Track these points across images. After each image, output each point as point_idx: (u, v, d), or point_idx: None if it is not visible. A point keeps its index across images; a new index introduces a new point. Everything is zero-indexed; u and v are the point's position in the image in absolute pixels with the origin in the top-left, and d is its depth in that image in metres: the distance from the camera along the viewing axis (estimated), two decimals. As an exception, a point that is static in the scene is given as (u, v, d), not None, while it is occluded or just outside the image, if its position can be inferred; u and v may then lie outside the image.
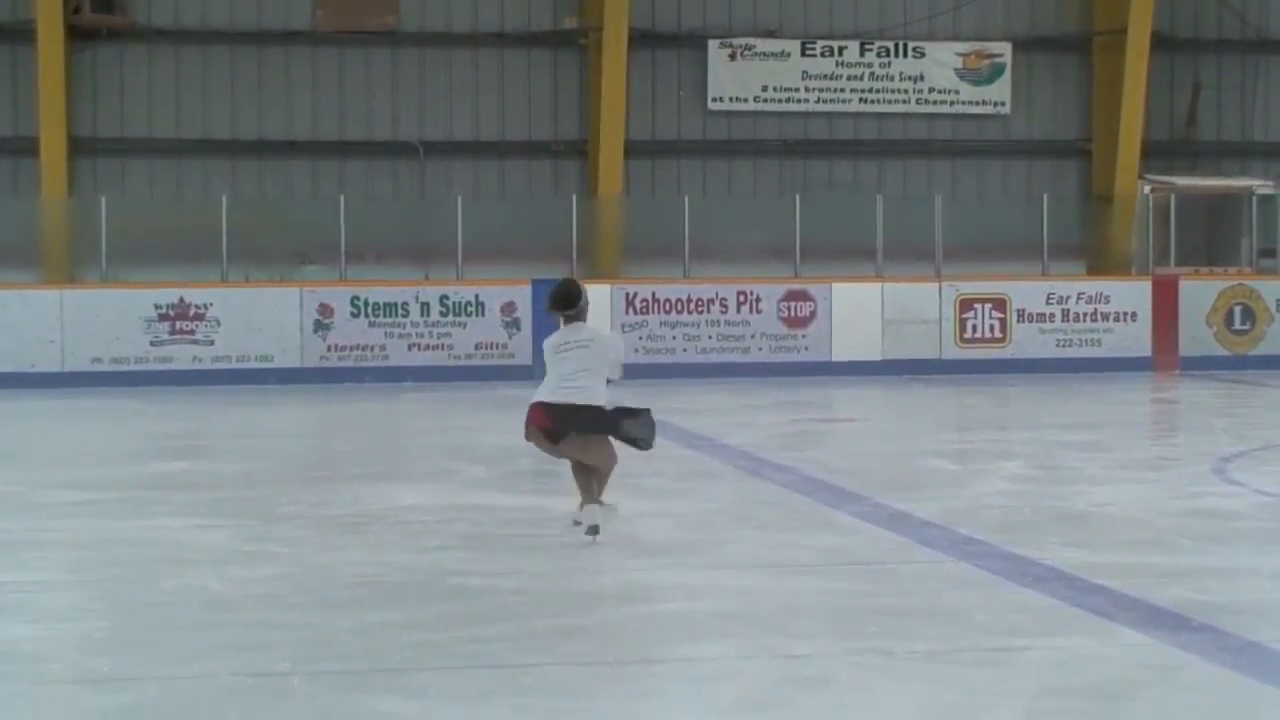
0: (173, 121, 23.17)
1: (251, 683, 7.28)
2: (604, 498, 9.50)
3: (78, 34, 22.34)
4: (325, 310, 21.04)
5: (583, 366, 9.38)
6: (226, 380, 20.75)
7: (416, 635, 7.92)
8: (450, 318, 21.20)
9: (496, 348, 21.12)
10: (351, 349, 21.09)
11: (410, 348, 21.09)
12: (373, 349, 21.08)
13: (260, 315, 21.10)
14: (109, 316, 20.90)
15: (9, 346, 20.50)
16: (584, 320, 9.50)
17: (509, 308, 20.99)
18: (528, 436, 9.69)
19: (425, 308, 21.22)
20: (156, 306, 20.77)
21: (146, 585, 9.35)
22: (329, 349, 21.09)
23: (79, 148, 22.57)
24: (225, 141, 23.07)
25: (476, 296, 21.22)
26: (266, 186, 23.18)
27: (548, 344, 9.57)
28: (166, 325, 20.84)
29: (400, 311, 21.19)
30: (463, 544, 10.28)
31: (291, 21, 23.22)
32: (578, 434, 9.42)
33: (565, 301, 9.50)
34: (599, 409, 9.36)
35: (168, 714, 6.83)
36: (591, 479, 9.54)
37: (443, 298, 21.30)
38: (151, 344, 20.71)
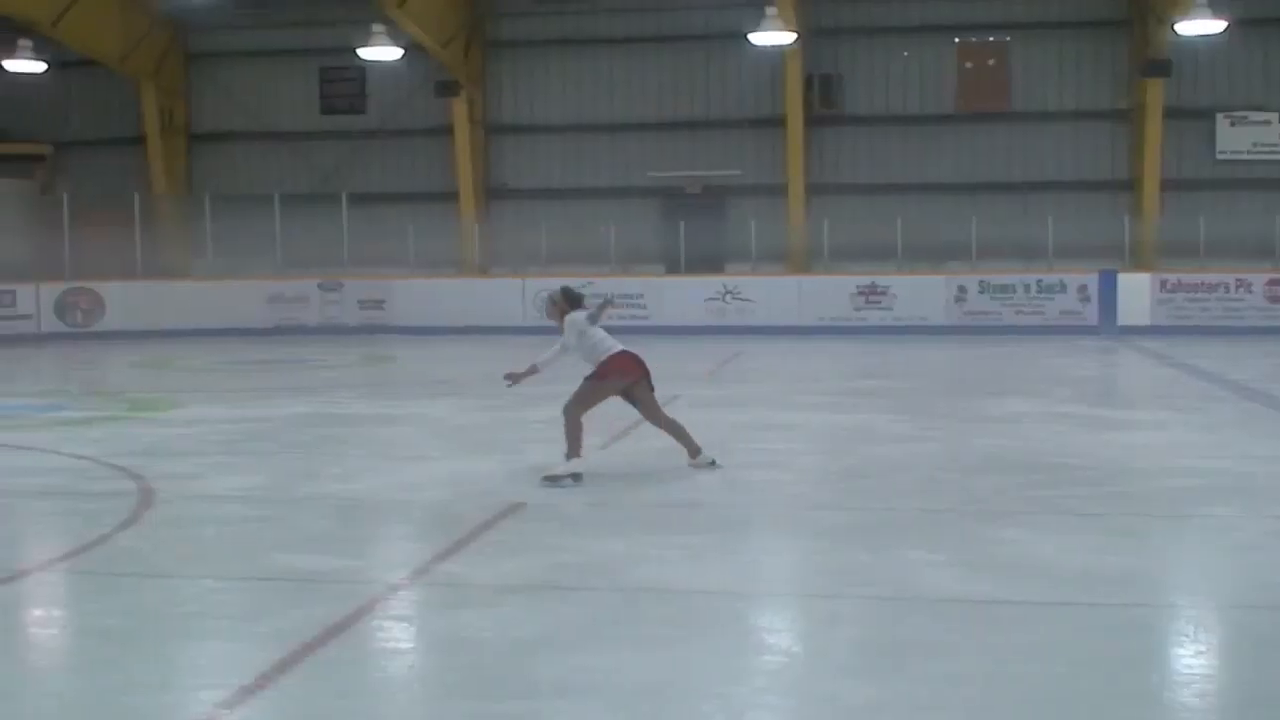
0: (869, 169, 31.24)
1: (923, 516, 9.10)
2: (708, 454, 11.11)
3: (810, 120, 30.96)
4: (961, 290, 28.44)
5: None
6: (900, 333, 27.65)
7: (1028, 492, 9.97)
8: (1043, 294, 28.13)
9: (1074, 314, 27.95)
10: (979, 313, 28.23)
11: (1017, 313, 28.07)
12: (992, 313, 28.19)
13: (922, 292, 28.69)
14: (822, 291, 28.74)
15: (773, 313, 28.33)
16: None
17: (1082, 289, 27.96)
18: (613, 378, 10.81)
19: (1027, 287, 28.11)
20: (858, 286, 28.75)
21: (850, 453, 12.10)
22: (964, 313, 28.35)
23: (813, 190, 31.07)
24: (903, 185, 30.97)
25: (1061, 281, 28.04)
26: (926, 212, 29.73)
27: (585, 317, 10.82)
28: (863, 298, 28.66)
29: (1010, 290, 28.17)
30: (1055, 436, 12.89)
31: (941, 107, 31.56)
32: (646, 379, 10.89)
33: (579, 301, 10.98)
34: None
35: (874, 531, 8.81)
36: (682, 438, 11.13)
37: (1039, 280, 28.18)
38: (855, 310, 28.83)
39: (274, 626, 6.93)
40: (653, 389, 10.98)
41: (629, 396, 10.97)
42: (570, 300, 11.02)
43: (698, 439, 11.34)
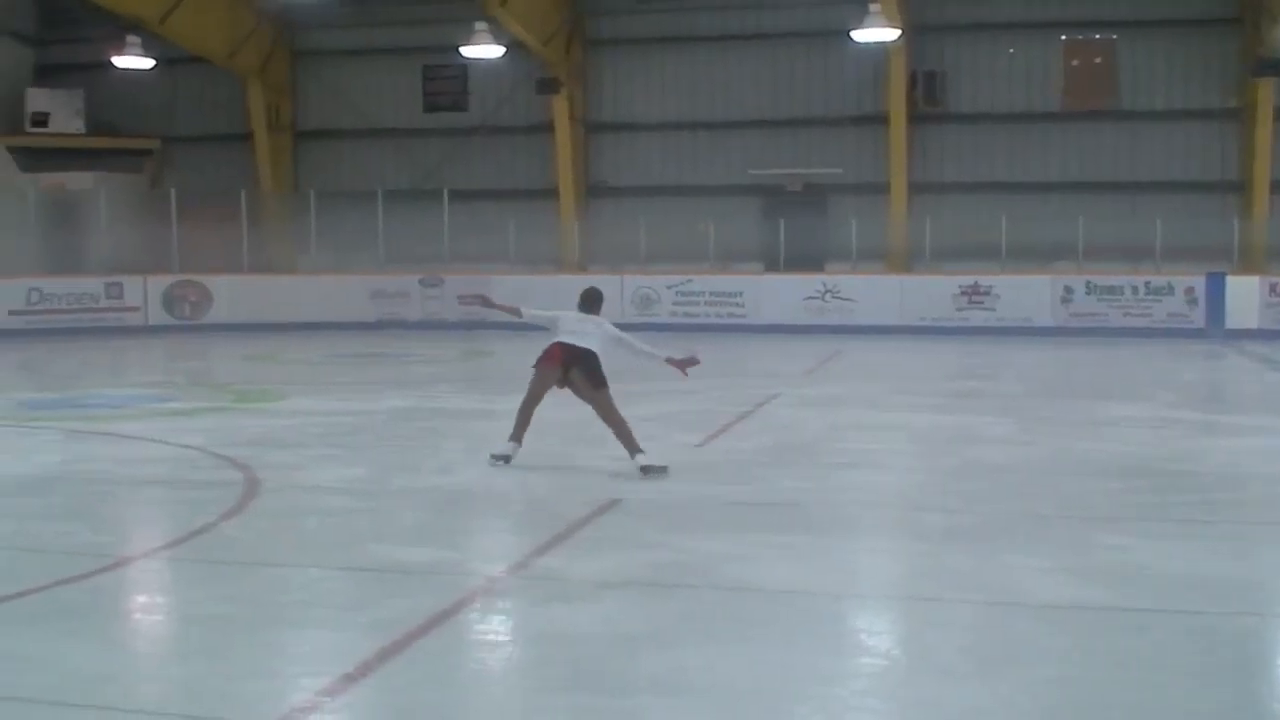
0: (972, 168, 30.81)
1: (1026, 520, 9.13)
2: (645, 459, 10.83)
3: (913, 118, 30.89)
4: (1068, 290, 27.84)
5: (588, 333, 11.22)
6: (1004, 334, 27.24)
7: (1134, 498, 10.05)
8: (1150, 296, 27.51)
9: (1181, 317, 27.28)
10: (1085, 315, 27.69)
11: (1124, 315, 27.44)
12: (1098, 314, 27.62)
13: (1024, 292, 28.04)
14: (923, 291, 28.35)
15: (871, 311, 28.19)
16: (594, 314, 11.41)
17: (1189, 291, 27.22)
18: (539, 367, 11.19)
19: (1134, 289, 27.60)
20: (961, 286, 28.25)
21: (952, 455, 12.18)
22: (1070, 315, 27.71)
23: (916, 188, 30.81)
24: (1007, 184, 30.63)
25: (1168, 283, 27.44)
26: (1031, 212, 29.25)
27: (568, 315, 11.39)
28: (966, 298, 28.36)
29: (1118, 292, 27.55)
30: (1161, 441, 13.05)
31: (1047, 105, 31.10)
32: (580, 371, 11.00)
33: (591, 303, 11.60)
34: (593, 353, 11.05)
35: (976, 534, 8.81)
36: (624, 439, 10.97)
37: (1145, 283, 27.57)
38: (957, 310, 28.34)
39: (375, 616, 7.00)
40: (594, 384, 10.98)
41: (570, 389, 11.12)
42: (588, 299, 11.56)
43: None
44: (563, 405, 14.55)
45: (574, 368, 11.02)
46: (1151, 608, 7.15)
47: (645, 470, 10.80)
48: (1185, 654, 6.48)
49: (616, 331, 11.38)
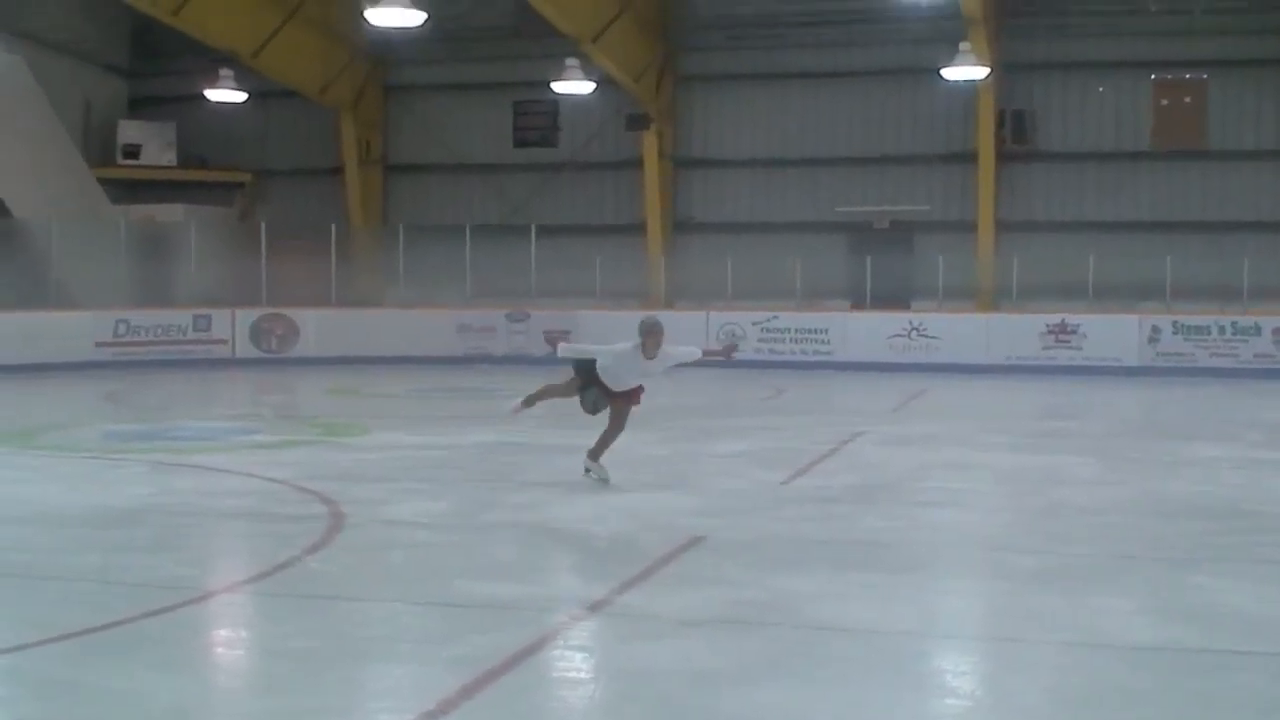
0: (1061, 206, 30.90)
1: (1113, 561, 9.15)
2: (602, 460, 11.97)
3: (1001, 156, 30.91)
4: (1155, 330, 27.67)
5: (604, 348, 12.40)
6: (1091, 373, 27.05)
7: (1221, 539, 10.01)
8: (1238, 336, 27.28)
9: (1268, 358, 27.11)
10: (1173, 355, 27.52)
11: (1210, 355, 27.21)
12: (1185, 354, 27.44)
13: (1111, 332, 27.91)
14: (1010, 329, 28.24)
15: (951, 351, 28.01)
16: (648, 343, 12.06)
17: (1277, 331, 26.97)
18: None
19: (1222, 329, 27.30)
20: (1048, 325, 28.11)
21: (1038, 495, 12.19)
22: (1156, 354, 27.55)
23: (1003, 227, 30.66)
24: (1095, 223, 30.60)
25: (1255, 324, 27.29)
26: (1119, 251, 28.72)
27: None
28: (1053, 337, 28.01)
29: (1205, 332, 27.37)
30: (1249, 482, 12.97)
31: (1137, 144, 31.06)
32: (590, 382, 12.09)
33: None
34: (592, 364, 12.20)
35: (1062, 574, 8.81)
36: (603, 439, 12.02)
37: (1233, 323, 27.42)
38: (1044, 349, 28.05)
39: (457, 652, 7.03)
40: (594, 385, 12.12)
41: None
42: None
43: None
44: (650, 443, 14.76)
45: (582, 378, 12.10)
46: (1239, 649, 7.06)
47: (588, 471, 11.96)
48: (1273, 697, 6.39)
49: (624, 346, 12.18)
